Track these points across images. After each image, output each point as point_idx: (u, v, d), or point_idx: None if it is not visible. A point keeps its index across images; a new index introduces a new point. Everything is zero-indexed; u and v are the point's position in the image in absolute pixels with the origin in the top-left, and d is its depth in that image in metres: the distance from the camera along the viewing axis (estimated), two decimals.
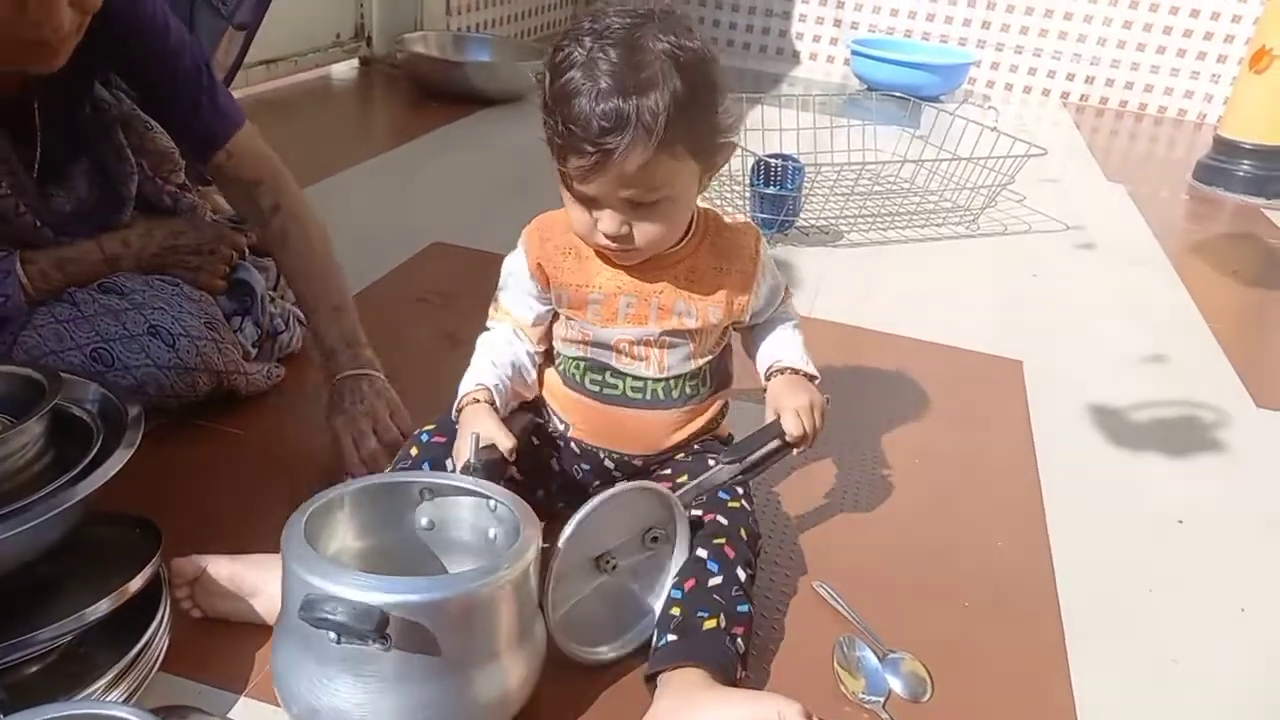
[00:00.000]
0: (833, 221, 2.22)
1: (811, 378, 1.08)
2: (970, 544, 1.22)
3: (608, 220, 0.95)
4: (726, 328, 1.08)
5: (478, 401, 1.02)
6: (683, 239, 1.02)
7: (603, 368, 1.06)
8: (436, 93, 2.89)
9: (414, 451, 1.05)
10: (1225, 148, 2.97)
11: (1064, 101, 4.10)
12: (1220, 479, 1.44)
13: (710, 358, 1.08)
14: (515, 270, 1.08)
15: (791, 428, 1.02)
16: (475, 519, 0.96)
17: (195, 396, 1.21)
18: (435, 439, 1.05)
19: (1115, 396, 1.62)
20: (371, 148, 2.45)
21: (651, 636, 0.93)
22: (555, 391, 1.11)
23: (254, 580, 0.93)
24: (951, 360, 1.69)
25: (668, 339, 1.04)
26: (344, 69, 3.16)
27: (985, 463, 1.40)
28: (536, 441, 1.11)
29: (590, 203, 0.95)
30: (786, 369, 1.08)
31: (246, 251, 1.38)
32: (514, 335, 1.09)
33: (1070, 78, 4.09)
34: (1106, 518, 1.31)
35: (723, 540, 0.97)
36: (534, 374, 1.10)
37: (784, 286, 1.12)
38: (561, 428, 1.11)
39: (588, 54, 0.88)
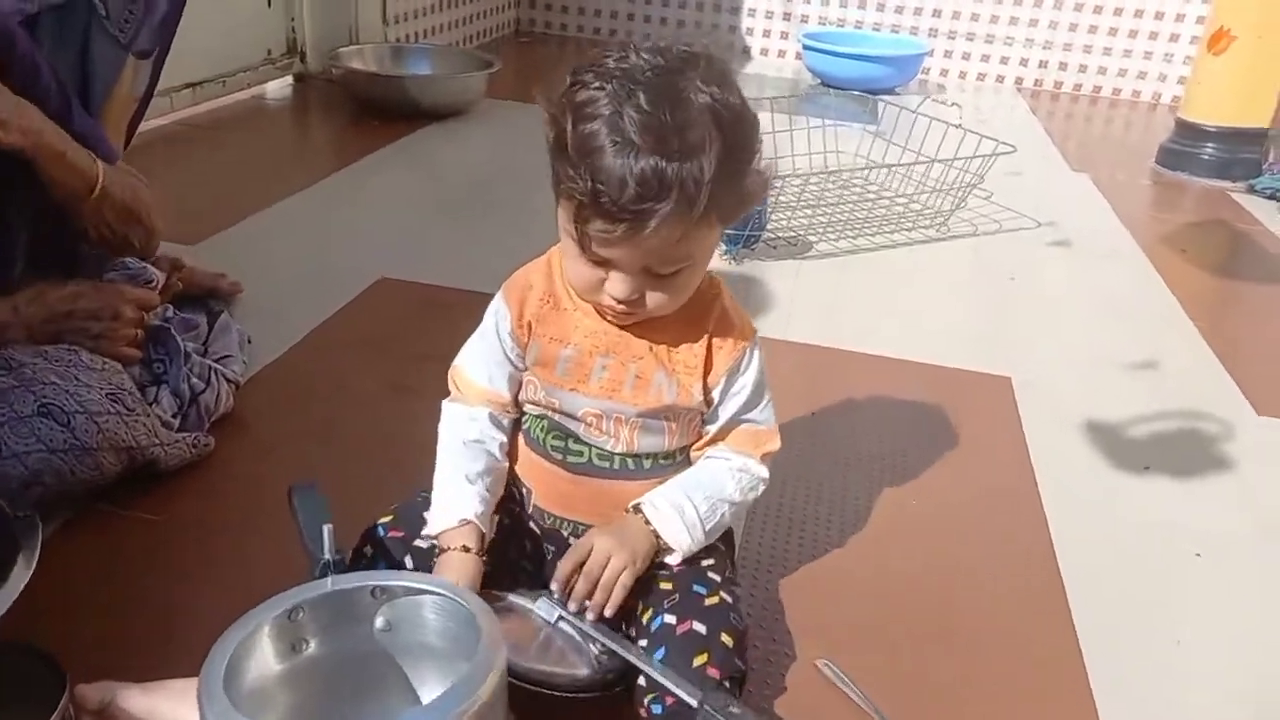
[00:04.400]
0: (801, 232, 2.12)
1: (664, 550, 0.91)
2: (980, 595, 1.13)
3: (619, 285, 0.84)
4: None
5: (465, 550, 0.88)
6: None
7: (566, 433, 0.95)
8: (376, 109, 2.75)
9: (369, 549, 0.93)
10: (1187, 131, 2.92)
11: (1018, 88, 4.05)
12: (1230, 500, 1.36)
13: (683, 443, 0.97)
14: (491, 332, 0.96)
15: (560, 568, 0.89)
16: (436, 618, 0.84)
17: (104, 479, 1.08)
18: (392, 533, 0.93)
19: (1110, 410, 1.54)
20: (310, 173, 2.30)
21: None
22: (518, 452, 0.99)
23: (170, 715, 0.80)
24: (937, 380, 1.60)
25: (641, 420, 0.93)
26: (278, 87, 3.00)
27: (985, 496, 1.31)
28: (508, 519, 1.00)
29: (602, 263, 0.84)
30: (644, 508, 0.92)
31: (159, 310, 1.24)
32: (488, 426, 0.96)
33: (1024, 63, 4.04)
34: (1119, 557, 1.22)
35: (704, 658, 0.85)
36: (507, 463, 0.98)
37: (762, 406, 0.96)
38: (521, 495, 0.99)
39: (618, 100, 0.76)
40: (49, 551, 0.83)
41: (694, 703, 0.81)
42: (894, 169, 2.30)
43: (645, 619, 0.89)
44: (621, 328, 0.91)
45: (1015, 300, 1.95)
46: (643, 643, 0.88)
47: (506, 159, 2.55)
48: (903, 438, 1.42)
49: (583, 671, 0.87)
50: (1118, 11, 3.88)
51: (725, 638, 0.86)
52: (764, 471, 0.96)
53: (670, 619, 0.87)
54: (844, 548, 1.18)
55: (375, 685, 0.84)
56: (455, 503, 0.90)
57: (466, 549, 0.88)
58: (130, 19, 1.30)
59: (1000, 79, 4.08)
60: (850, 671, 0.98)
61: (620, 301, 0.84)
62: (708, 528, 0.92)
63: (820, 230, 2.15)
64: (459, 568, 0.87)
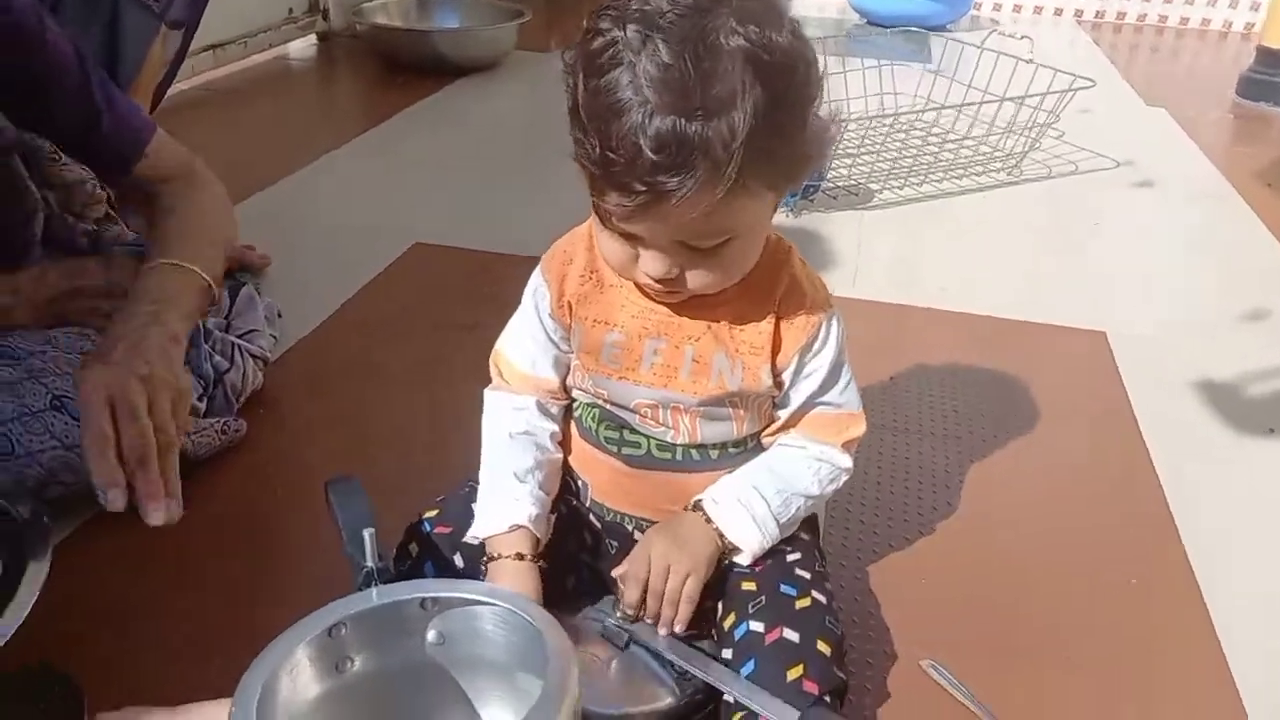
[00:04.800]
0: (861, 180, 1.97)
1: (730, 550, 0.80)
2: (1101, 583, 1.00)
3: (652, 263, 0.71)
4: None
5: (520, 557, 0.78)
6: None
7: (620, 424, 0.84)
8: (403, 65, 2.62)
9: (414, 547, 0.82)
10: (1270, 59, 2.71)
11: (1078, 20, 3.82)
12: None
13: (755, 429, 0.85)
14: (531, 312, 0.84)
15: (626, 594, 0.79)
16: (494, 629, 0.73)
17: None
18: (439, 529, 0.83)
19: (1223, 367, 1.39)
20: (338, 135, 2.19)
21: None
22: (570, 442, 0.88)
23: None
24: (1025, 337, 1.46)
25: (704, 409, 0.81)
26: (301, 46, 2.88)
27: (1092, 467, 1.18)
28: (565, 509, 0.89)
29: (632, 238, 0.71)
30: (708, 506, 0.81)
31: None
32: (536, 416, 0.85)
33: None
34: (1250, 533, 1.08)
35: (799, 670, 0.73)
36: (561, 455, 0.87)
37: (841, 386, 0.83)
38: (577, 487, 0.88)
39: (636, 49, 0.63)
40: (67, 555, 0.76)
41: None
42: (960, 109, 2.13)
43: (728, 625, 0.78)
44: (672, 307, 0.78)
45: (1102, 247, 1.80)
46: (726, 653, 0.77)
47: (542, 113, 2.41)
48: (993, 402, 1.29)
49: (665, 701, 0.77)
50: None
51: (822, 645, 0.75)
52: (847, 461, 0.83)
53: (757, 626, 0.76)
54: (939, 529, 1.06)
55: (430, 704, 0.74)
56: (505, 505, 0.80)
57: (521, 556, 0.78)
58: None
59: (1059, 12, 3.85)
60: (959, 673, 0.87)
61: (658, 280, 0.72)
62: (782, 522, 0.80)
63: (881, 178, 2.00)
64: (513, 576, 0.77)
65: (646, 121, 0.62)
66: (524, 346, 0.85)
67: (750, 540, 0.79)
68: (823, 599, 0.78)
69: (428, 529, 0.83)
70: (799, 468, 0.82)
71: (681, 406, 0.80)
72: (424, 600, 0.70)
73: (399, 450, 1.15)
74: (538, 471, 0.82)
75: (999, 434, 1.23)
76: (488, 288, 1.49)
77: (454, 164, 2.08)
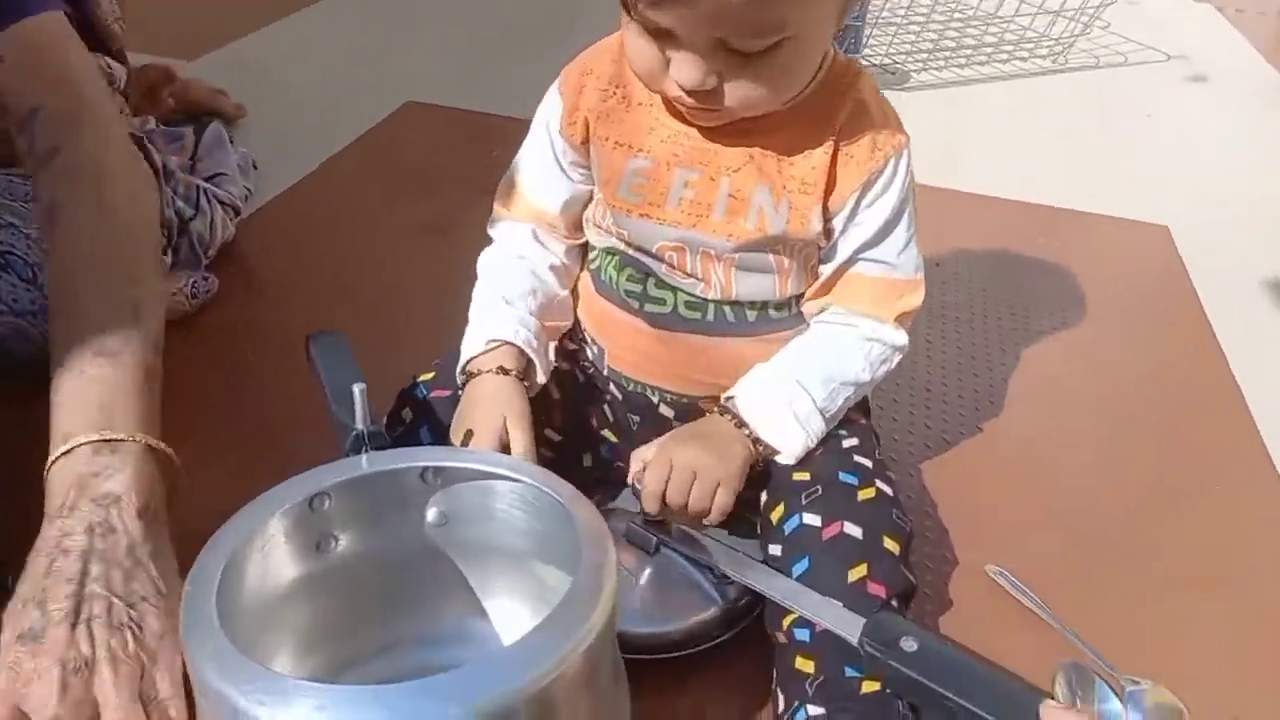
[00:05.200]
0: (898, 59, 1.81)
1: (766, 453, 0.67)
2: (1182, 490, 0.89)
3: (686, 67, 0.58)
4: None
5: (503, 371, 0.66)
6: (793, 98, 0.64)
7: (644, 272, 0.70)
8: None
9: (407, 413, 0.70)
10: None
11: None
12: None
13: (801, 289, 0.71)
14: (540, 130, 0.72)
15: (646, 484, 0.65)
16: (509, 508, 0.61)
17: None
18: (436, 392, 0.70)
19: None
20: None
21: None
22: (585, 299, 0.75)
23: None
24: (1081, 229, 1.33)
25: (739, 256, 0.67)
26: None
27: (1165, 367, 1.06)
28: (582, 376, 0.76)
29: (663, 36, 0.57)
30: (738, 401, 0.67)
31: (133, 120, 0.98)
32: (530, 242, 0.73)
33: None
34: None
35: (862, 570, 0.62)
36: (568, 291, 0.75)
37: (902, 245, 0.69)
38: (594, 353, 0.75)
39: None
40: (9, 433, 0.66)
41: (852, 638, 0.58)
42: None
43: (775, 517, 0.66)
44: (710, 134, 0.65)
45: (1157, 141, 1.65)
46: (774, 550, 0.66)
47: None
48: (1051, 295, 1.16)
49: (707, 612, 0.66)
50: None
51: (889, 543, 0.64)
52: (901, 338, 0.70)
53: (812, 519, 0.64)
54: (993, 428, 0.94)
55: (426, 594, 0.62)
56: (488, 325, 0.68)
57: (504, 370, 0.66)
58: None
59: None
60: (1026, 578, 0.76)
61: (690, 92, 0.58)
62: (828, 417, 0.67)
63: (921, 58, 1.83)
64: (493, 392, 0.65)
65: None
66: (529, 170, 0.73)
67: (792, 441, 0.66)
68: (888, 490, 0.67)
69: (423, 394, 0.71)
70: (847, 351, 0.69)
71: (713, 252, 0.67)
72: (425, 471, 0.58)
73: (388, 312, 1.02)
74: (530, 298, 0.70)
75: (1057, 327, 1.11)
76: (485, 150, 1.34)
77: (453, 16, 1.89)
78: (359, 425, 0.57)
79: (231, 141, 1.23)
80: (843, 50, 0.69)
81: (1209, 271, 1.24)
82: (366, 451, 0.57)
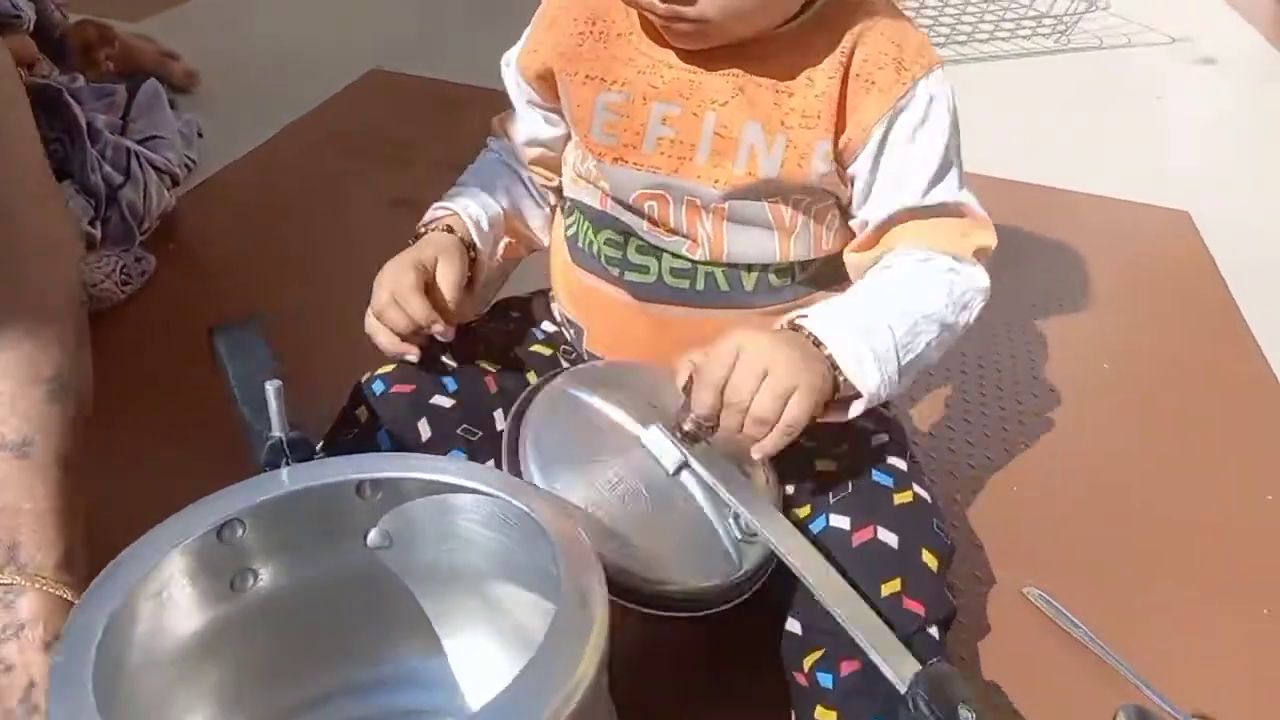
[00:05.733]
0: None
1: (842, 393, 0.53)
2: (1226, 501, 0.80)
3: None
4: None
5: (448, 230, 0.62)
6: (793, 17, 0.55)
7: (624, 234, 0.60)
8: None
9: (362, 411, 0.59)
10: None
11: None
12: None
13: (811, 253, 0.60)
14: (509, 61, 0.64)
15: (704, 372, 0.51)
16: (471, 525, 0.50)
17: None
18: (398, 388, 0.59)
19: None
20: None
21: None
22: (561, 272, 0.66)
23: None
24: (1100, 214, 1.24)
25: (729, 205, 0.57)
26: None
27: (1198, 363, 0.97)
28: (564, 363, 0.66)
29: None
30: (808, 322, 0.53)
31: (51, 73, 0.86)
32: (507, 152, 0.68)
33: None
34: None
35: (897, 585, 0.52)
36: (541, 212, 0.68)
37: (953, 177, 0.57)
38: (572, 335, 0.65)
39: None
40: None
41: (901, 683, 0.48)
42: None
43: (802, 516, 0.57)
44: (694, 59, 0.56)
45: (1169, 125, 1.57)
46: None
47: None
48: (1076, 286, 1.08)
49: (711, 581, 0.51)
50: None
51: (928, 557, 0.54)
52: (983, 278, 0.57)
53: (840, 521, 0.55)
54: (1026, 430, 0.85)
55: (371, 632, 0.52)
56: (447, 200, 0.64)
57: (450, 230, 0.62)
58: None
59: None
60: (1066, 602, 0.67)
61: None
62: (904, 362, 0.53)
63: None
64: (428, 239, 0.61)
65: None
66: (512, 103, 0.66)
67: (869, 381, 0.52)
68: (927, 497, 0.57)
69: (380, 389, 0.60)
70: (926, 282, 0.56)
71: (699, 201, 0.57)
72: (361, 484, 0.47)
73: (346, 299, 0.90)
74: (502, 193, 0.65)
75: (1082, 320, 1.02)
76: (456, 121, 1.23)
77: None
78: (275, 432, 0.47)
79: (174, 107, 1.11)
80: None
81: (1236, 257, 1.16)
82: (287, 464, 0.46)
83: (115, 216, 0.89)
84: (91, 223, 0.88)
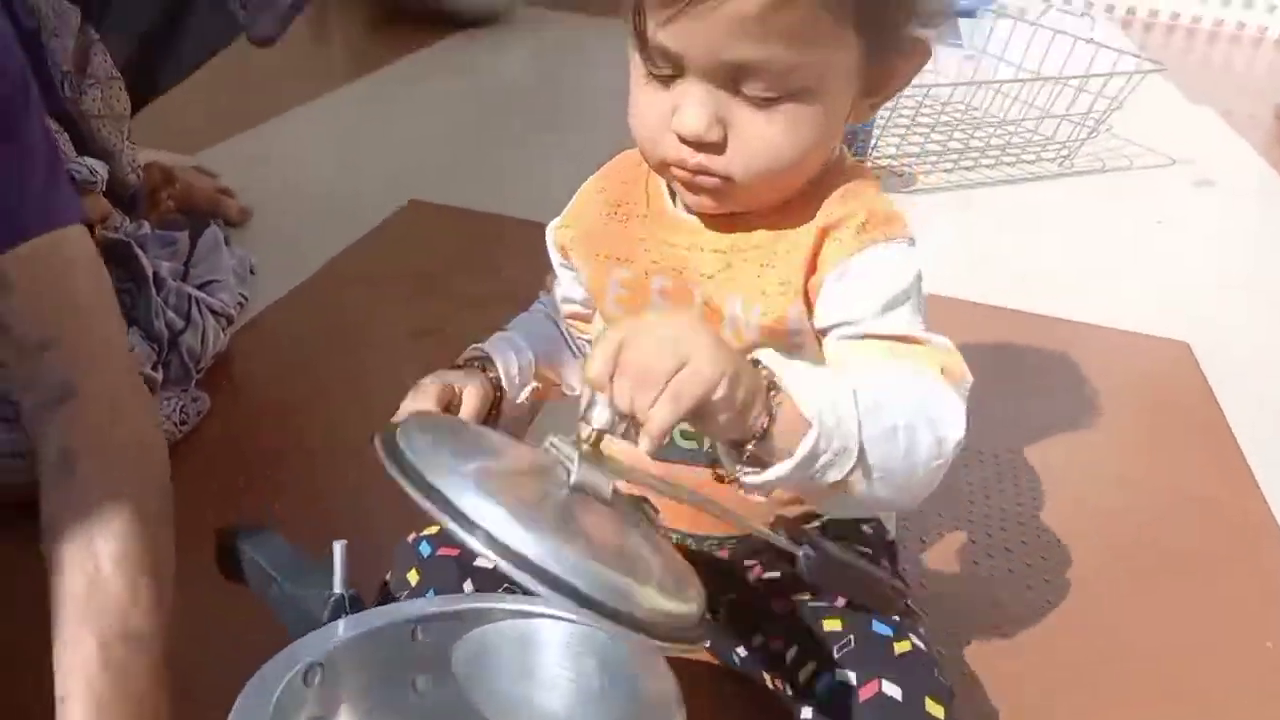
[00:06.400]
0: (907, 162, 1.80)
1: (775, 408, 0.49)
2: (1224, 649, 0.83)
3: (691, 108, 0.54)
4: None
5: (454, 367, 0.69)
6: (803, 193, 0.60)
7: None
8: (406, 12, 2.41)
9: (412, 576, 0.64)
10: None
11: (1109, 14, 3.65)
12: None
13: None
14: (550, 228, 0.71)
15: (589, 366, 0.46)
16: (539, 659, 0.54)
17: None
18: (443, 551, 0.65)
19: None
20: (328, 80, 1.99)
21: None
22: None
23: None
24: (1099, 345, 1.29)
25: None
26: None
27: (1197, 501, 1.01)
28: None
29: (670, 79, 0.54)
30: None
31: (124, 224, 0.94)
32: (547, 304, 0.76)
33: None
34: None
35: None
36: (577, 363, 0.74)
37: (907, 317, 0.58)
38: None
39: None
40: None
41: None
42: (1021, 88, 1.94)
43: (805, 677, 0.61)
44: (692, 235, 0.61)
45: (1169, 250, 1.63)
46: (808, 714, 0.61)
47: (551, 71, 2.23)
48: (1073, 416, 1.12)
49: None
50: None
51: (932, 707, 0.58)
52: (951, 396, 0.54)
53: (847, 677, 0.59)
54: (1019, 565, 0.89)
55: None
56: (484, 343, 0.71)
57: (483, 369, 0.68)
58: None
59: (1089, 4, 3.69)
60: None
61: (690, 140, 0.54)
62: (862, 405, 0.50)
63: (929, 160, 1.82)
64: (465, 375, 0.66)
65: None
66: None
67: (817, 400, 0.48)
68: (923, 646, 0.61)
69: (426, 551, 0.65)
70: (885, 367, 0.55)
71: None
72: (415, 628, 0.52)
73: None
74: (538, 339, 0.72)
75: (1082, 453, 1.07)
76: (493, 251, 1.31)
77: (456, 117, 1.88)
78: (338, 589, 0.51)
79: (228, 243, 1.20)
80: (852, 151, 0.66)
81: (1236, 391, 1.20)
82: (344, 617, 0.51)
83: (175, 360, 0.96)
84: (154, 366, 0.95)
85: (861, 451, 0.50)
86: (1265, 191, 1.96)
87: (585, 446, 0.45)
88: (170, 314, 0.97)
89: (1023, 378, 1.20)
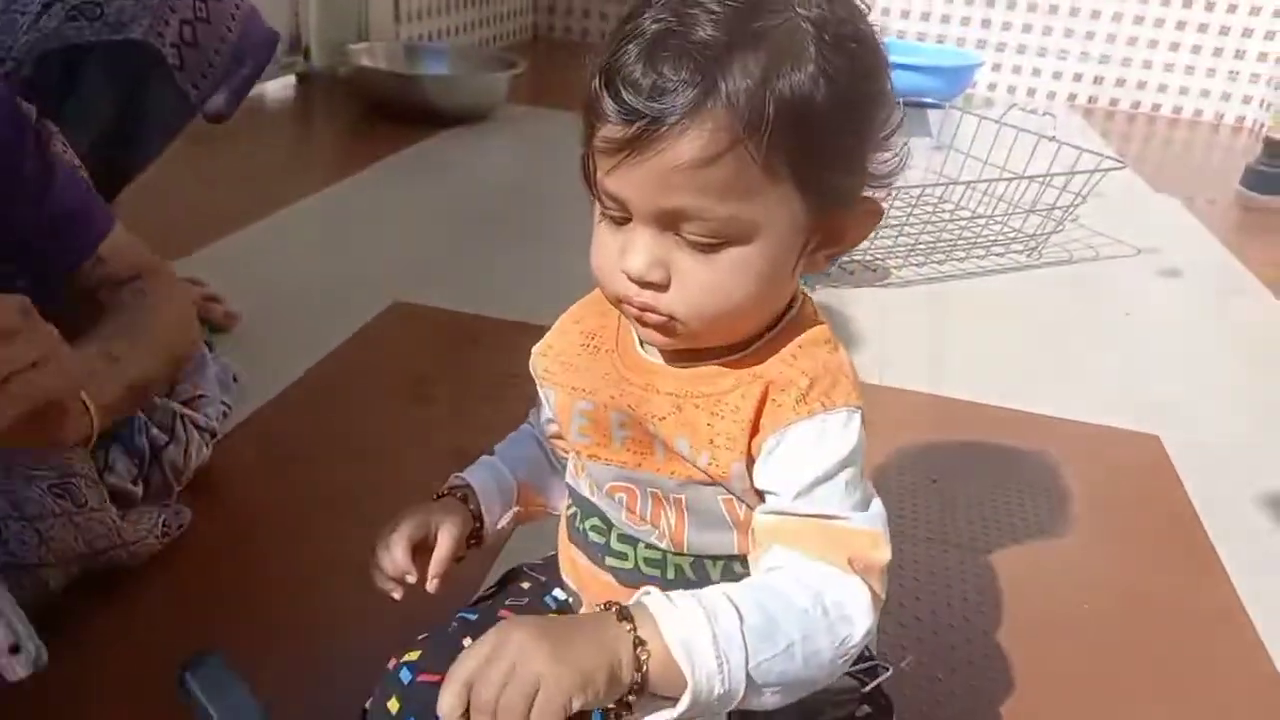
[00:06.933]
0: (878, 256, 1.85)
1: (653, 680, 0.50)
2: None
3: (635, 250, 0.56)
4: None
5: (458, 498, 0.71)
6: (758, 337, 0.61)
7: (607, 522, 0.67)
8: (388, 112, 2.47)
9: (392, 706, 0.64)
10: None
11: (1071, 104, 3.79)
12: None
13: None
14: (532, 352, 0.72)
15: (441, 699, 0.49)
16: None
17: (47, 596, 0.80)
18: (424, 677, 0.65)
19: None
20: (314, 180, 2.03)
21: None
22: (564, 547, 0.72)
23: None
24: (1071, 439, 1.32)
25: (687, 497, 0.63)
26: (278, 87, 2.73)
27: (1168, 597, 1.02)
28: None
29: (622, 222, 0.57)
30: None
31: None
32: (533, 423, 0.78)
33: (1077, 78, 3.79)
34: None
35: None
36: (560, 477, 0.74)
37: (841, 491, 0.57)
38: (575, 603, 0.71)
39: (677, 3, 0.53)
40: None
41: None
42: (989, 185, 2.00)
43: None
44: (649, 376, 0.63)
45: (1138, 340, 1.68)
46: None
47: (534, 170, 2.28)
48: (1046, 517, 1.14)
49: None
50: (1180, 25, 3.64)
51: None
52: (855, 588, 0.55)
53: None
54: (1004, 675, 0.89)
55: None
56: (467, 471, 0.73)
57: (465, 499, 0.71)
58: (208, 76, 1.09)
59: (1051, 95, 3.83)
60: None
61: (635, 278, 0.56)
62: (751, 631, 0.50)
63: (901, 254, 1.87)
64: (445, 509, 0.69)
65: (665, 37, 0.52)
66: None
67: (701, 661, 0.49)
68: None
69: (407, 677, 0.65)
70: (783, 584, 0.55)
71: (660, 492, 0.63)
72: None
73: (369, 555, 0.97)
74: (522, 462, 0.75)
75: (1062, 550, 1.08)
76: (472, 353, 1.33)
77: (440, 218, 1.92)
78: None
79: (211, 349, 1.21)
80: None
81: (1207, 484, 1.22)
82: None
83: (157, 475, 0.97)
84: (134, 480, 0.95)
85: (751, 680, 0.50)
86: (1228, 279, 2.02)
87: None
88: (154, 430, 0.97)
89: (994, 472, 1.22)
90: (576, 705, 0.47)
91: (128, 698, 0.77)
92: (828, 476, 0.57)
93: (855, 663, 0.69)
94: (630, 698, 0.49)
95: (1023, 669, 0.90)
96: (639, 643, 0.49)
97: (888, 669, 0.69)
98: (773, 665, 0.51)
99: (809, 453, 0.57)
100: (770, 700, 0.52)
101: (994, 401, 1.38)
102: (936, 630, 0.94)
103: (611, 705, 0.49)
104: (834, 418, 0.58)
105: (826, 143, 0.54)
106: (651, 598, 0.52)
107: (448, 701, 0.48)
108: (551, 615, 0.62)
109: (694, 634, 0.50)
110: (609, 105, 0.53)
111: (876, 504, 0.59)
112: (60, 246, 0.86)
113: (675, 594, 0.53)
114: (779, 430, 0.58)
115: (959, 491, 1.17)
